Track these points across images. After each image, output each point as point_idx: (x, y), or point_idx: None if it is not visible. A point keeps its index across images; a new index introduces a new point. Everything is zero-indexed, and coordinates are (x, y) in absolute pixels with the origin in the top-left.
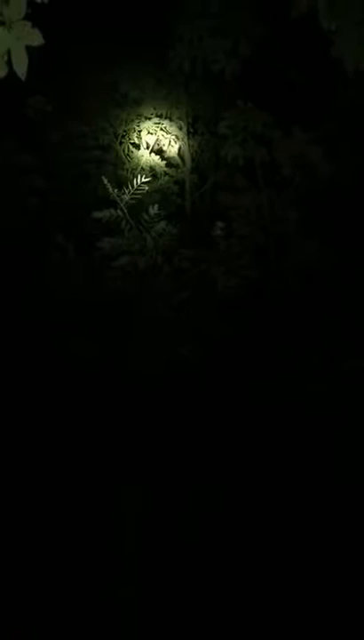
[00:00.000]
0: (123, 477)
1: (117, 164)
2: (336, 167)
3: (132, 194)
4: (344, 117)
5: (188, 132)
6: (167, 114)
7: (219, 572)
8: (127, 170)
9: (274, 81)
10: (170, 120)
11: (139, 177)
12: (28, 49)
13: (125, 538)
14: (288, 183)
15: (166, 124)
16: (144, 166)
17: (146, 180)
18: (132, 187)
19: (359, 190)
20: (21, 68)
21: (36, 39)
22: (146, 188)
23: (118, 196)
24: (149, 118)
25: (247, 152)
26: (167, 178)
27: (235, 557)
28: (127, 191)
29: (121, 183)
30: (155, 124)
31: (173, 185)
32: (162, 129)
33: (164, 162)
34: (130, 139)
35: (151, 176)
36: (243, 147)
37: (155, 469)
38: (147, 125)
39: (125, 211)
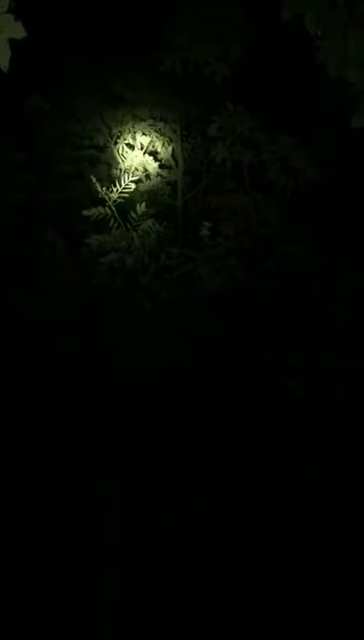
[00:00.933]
0: (106, 470)
1: (111, 164)
2: (322, 172)
3: (120, 192)
4: (330, 123)
5: (182, 135)
6: (161, 116)
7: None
8: (120, 170)
9: (263, 85)
10: (165, 122)
11: (127, 176)
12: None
13: (108, 530)
14: (274, 186)
15: (160, 125)
16: (138, 167)
17: (134, 178)
18: (120, 185)
19: (343, 195)
20: (4, 61)
21: (19, 32)
22: (134, 186)
23: (106, 194)
24: (144, 120)
25: (235, 155)
26: (159, 179)
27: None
28: (115, 189)
29: (114, 182)
30: (150, 125)
31: (166, 186)
32: (156, 130)
33: (157, 163)
34: (124, 139)
35: (144, 177)
36: (231, 149)
37: (139, 462)
38: (142, 127)
39: (113, 208)
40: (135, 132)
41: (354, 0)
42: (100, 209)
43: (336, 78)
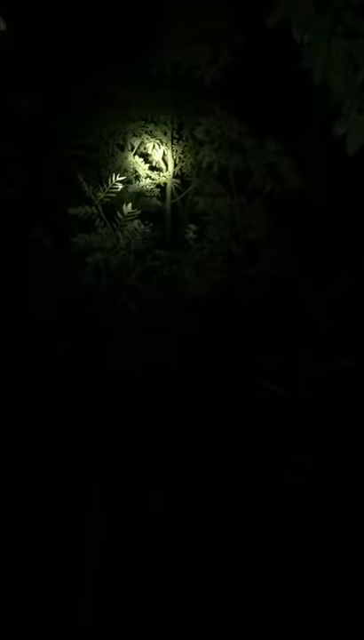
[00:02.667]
0: (89, 468)
1: (101, 164)
2: (305, 179)
3: (107, 192)
4: (316, 130)
5: (172, 137)
6: (153, 117)
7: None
8: (110, 170)
9: (252, 90)
10: (156, 124)
11: (114, 176)
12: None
13: (91, 526)
14: (259, 191)
15: (151, 127)
16: (127, 168)
17: (122, 178)
18: (107, 185)
19: (327, 201)
20: None
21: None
22: (121, 186)
23: (93, 194)
24: (135, 121)
25: (222, 159)
26: (149, 181)
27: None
28: (102, 189)
29: (103, 182)
30: (141, 127)
31: (155, 188)
32: (147, 132)
33: (147, 165)
34: (115, 140)
35: (134, 178)
36: (218, 153)
37: (121, 461)
38: (133, 128)
39: (100, 208)
40: (126, 133)
41: (340, 7)
42: (87, 208)
43: (319, 84)
